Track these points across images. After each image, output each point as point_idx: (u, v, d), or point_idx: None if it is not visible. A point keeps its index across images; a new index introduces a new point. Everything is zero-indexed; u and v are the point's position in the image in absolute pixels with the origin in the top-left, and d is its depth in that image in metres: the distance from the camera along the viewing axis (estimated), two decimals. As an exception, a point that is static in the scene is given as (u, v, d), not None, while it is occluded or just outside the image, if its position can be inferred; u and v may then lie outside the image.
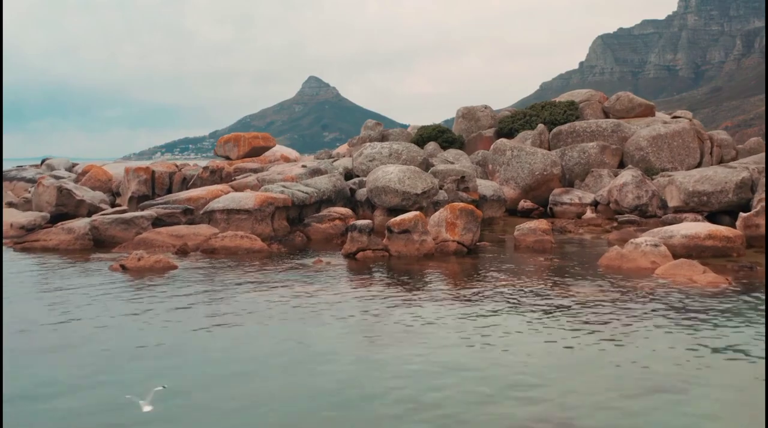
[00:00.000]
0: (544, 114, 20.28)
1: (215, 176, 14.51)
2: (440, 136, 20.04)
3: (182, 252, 10.56)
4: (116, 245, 11.09)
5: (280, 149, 31.59)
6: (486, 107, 21.50)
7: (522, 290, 7.79)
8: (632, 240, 9.46)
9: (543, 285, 8.04)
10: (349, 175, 16.30)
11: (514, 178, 16.75)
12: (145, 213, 11.83)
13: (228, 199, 12.00)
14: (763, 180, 12.13)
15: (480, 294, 7.60)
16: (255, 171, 21.05)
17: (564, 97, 22.13)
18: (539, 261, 9.77)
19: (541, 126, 18.74)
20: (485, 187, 14.71)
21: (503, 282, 8.24)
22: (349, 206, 14.20)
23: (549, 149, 18.44)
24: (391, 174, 13.03)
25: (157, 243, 10.82)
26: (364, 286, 8.10)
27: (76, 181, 19.41)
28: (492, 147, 17.53)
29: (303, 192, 13.08)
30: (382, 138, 21.13)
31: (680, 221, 12.48)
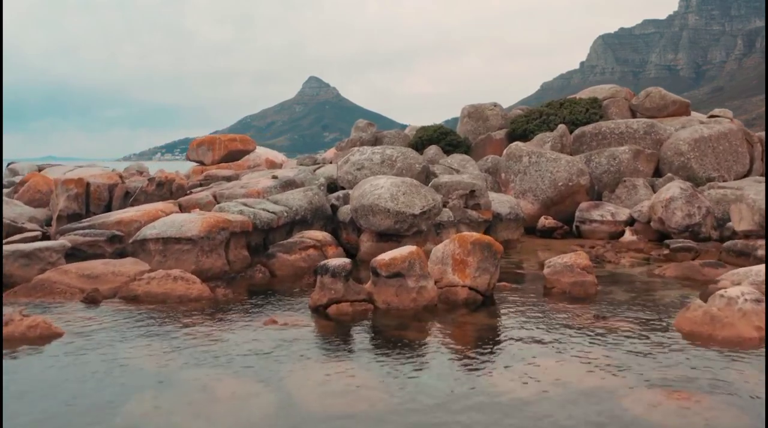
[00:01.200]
0: (563, 113, 17.43)
1: (163, 190, 11.61)
2: (443, 138, 17.18)
3: (91, 300, 7.67)
4: (13, 286, 8.22)
5: (264, 152, 28.72)
6: (495, 105, 18.65)
7: (578, 390, 4.91)
8: (721, 291, 6.58)
9: (609, 379, 5.16)
10: (333, 186, 13.46)
11: (533, 189, 13.88)
12: (55, 243, 8.94)
13: (165, 223, 9.12)
14: None
15: (514, 398, 4.73)
16: (229, 178, 18.20)
17: (585, 94, 19.25)
18: (586, 321, 6.89)
19: (562, 127, 15.86)
20: (500, 202, 11.83)
21: (543, 373, 5.36)
22: (331, 227, 11.35)
23: (571, 154, 15.59)
24: (382, 188, 10.17)
25: (60, 288, 7.93)
26: (330, 378, 5.22)
27: (15, 191, 16.54)
28: (505, 152, 14.66)
29: (269, 211, 10.22)
30: (376, 140, 18.27)
31: (754, 250, 9.63)
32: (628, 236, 11.96)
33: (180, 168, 23.60)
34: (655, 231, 12.49)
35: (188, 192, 12.27)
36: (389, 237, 10.24)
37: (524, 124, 17.30)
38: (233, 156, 21.36)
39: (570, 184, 13.57)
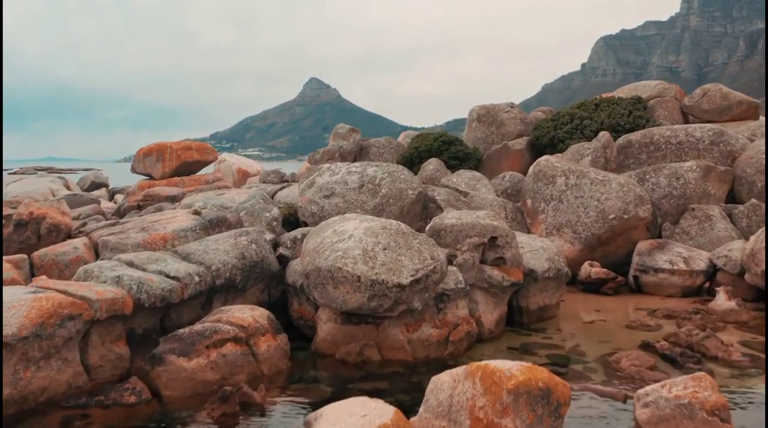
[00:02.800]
0: (599, 116, 13.53)
1: (25, 234, 7.66)
2: (446, 149, 13.26)
3: None
4: None
5: (237, 161, 24.50)
6: (512, 106, 14.71)
7: None
8: None
9: None
10: (295, 218, 9.59)
11: (572, 223, 9.97)
12: None
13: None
14: None
15: None
16: (174, 198, 14.31)
17: (624, 92, 15.32)
18: None
19: (604, 135, 11.92)
20: (533, 251, 7.88)
21: None
22: (277, 291, 7.48)
23: (615, 171, 11.71)
24: (350, 239, 6.28)
25: None
26: None
27: None
28: (532, 170, 10.71)
29: (168, 277, 6.32)
30: (360, 151, 14.38)
31: None
32: (723, 300, 8.02)
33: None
34: (751, 287, 8.63)
35: (76, 233, 8.34)
36: (362, 318, 6.35)
37: (551, 131, 13.40)
38: (189, 167, 17.45)
39: (625, 216, 9.65)
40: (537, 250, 7.91)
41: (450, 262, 6.85)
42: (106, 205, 16.98)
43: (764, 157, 11.44)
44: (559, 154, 12.05)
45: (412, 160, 12.79)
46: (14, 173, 35.28)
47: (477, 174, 11.93)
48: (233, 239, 7.21)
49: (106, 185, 26.77)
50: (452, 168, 12.67)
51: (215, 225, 7.86)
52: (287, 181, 14.07)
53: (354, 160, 13.87)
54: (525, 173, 11.45)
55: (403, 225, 6.60)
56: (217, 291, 6.81)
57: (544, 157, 10.93)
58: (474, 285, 7.02)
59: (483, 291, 7.10)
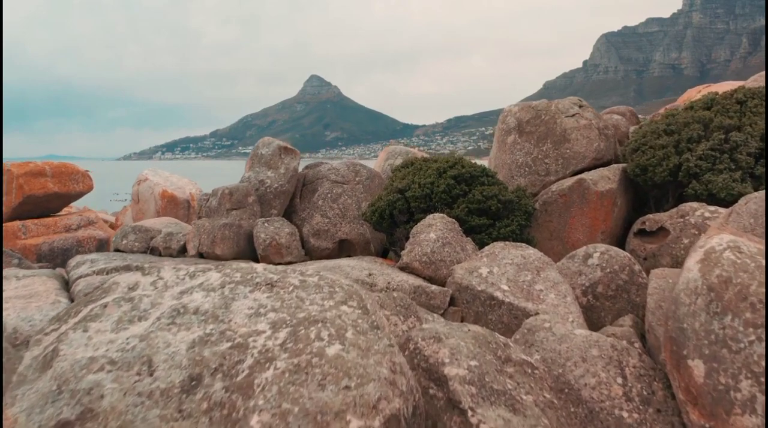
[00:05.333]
0: (755, 123, 6.88)
1: None
2: (463, 192, 6.44)
3: None
4: None
5: (161, 181, 17.14)
6: (581, 105, 8.10)
7: None
8: None
9: None
10: None
11: None
12: None
13: None
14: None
15: None
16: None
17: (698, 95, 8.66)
18: None
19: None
20: None
21: None
22: None
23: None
24: None
25: None
26: None
27: None
28: (702, 279, 4.08)
29: None
30: (302, 189, 7.73)
31: None
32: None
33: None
34: None
35: None
36: None
37: (670, 155, 6.76)
38: (41, 204, 10.83)
39: None
40: None
41: None
42: None
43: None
44: (718, 212, 5.53)
45: (393, 217, 6.16)
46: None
47: (532, 253, 5.34)
48: None
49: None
50: (475, 230, 6.09)
51: None
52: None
53: (290, 204, 7.33)
54: (620, 233, 4.95)
55: None
56: None
57: (716, 235, 4.29)
58: None
59: None
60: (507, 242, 5.65)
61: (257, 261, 6.77)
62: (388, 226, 6.20)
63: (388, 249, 6.58)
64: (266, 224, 6.69)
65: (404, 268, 5.79)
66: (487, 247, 5.58)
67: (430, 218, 5.97)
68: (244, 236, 6.84)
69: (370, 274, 5.59)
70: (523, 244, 5.57)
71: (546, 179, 7.54)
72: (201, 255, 7.09)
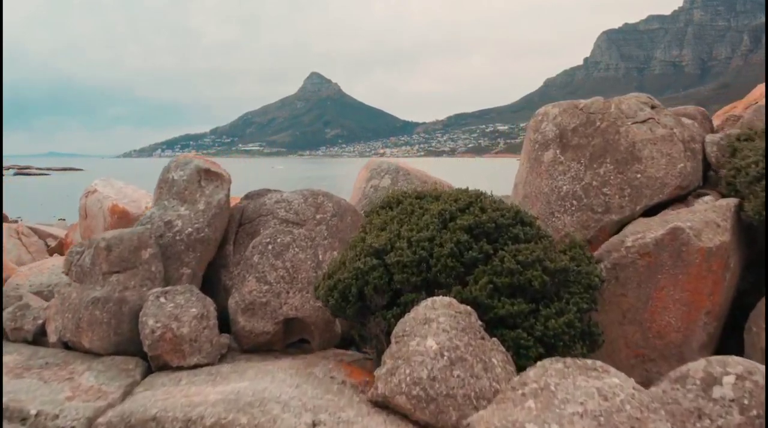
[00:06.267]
0: None
1: None
2: (467, 248, 3.76)
3: None
4: None
5: (113, 194, 13.60)
6: (652, 106, 5.59)
7: None
8: None
9: None
10: None
11: None
12: None
13: None
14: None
15: None
16: None
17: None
18: None
19: None
20: None
21: None
22: None
23: None
24: None
25: None
26: None
27: None
28: None
29: None
30: (236, 236, 5.20)
31: None
32: None
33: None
34: None
35: None
36: None
37: None
38: None
39: None
40: None
41: None
42: None
43: None
44: None
45: (363, 298, 3.51)
46: None
47: (618, 385, 2.80)
48: None
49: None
50: (506, 323, 3.49)
51: None
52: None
53: (220, 254, 4.78)
54: (727, 311, 2.39)
55: None
56: None
57: None
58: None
59: None
60: (568, 360, 3.09)
61: (147, 358, 4.16)
62: (356, 313, 3.60)
63: (359, 339, 4.03)
64: (161, 299, 4.10)
65: (381, 404, 3.21)
66: (532, 373, 3.05)
67: (427, 306, 3.38)
68: (128, 317, 4.27)
69: (314, 424, 3.00)
70: (600, 365, 3.02)
71: (605, 219, 4.93)
72: (66, 345, 4.51)
